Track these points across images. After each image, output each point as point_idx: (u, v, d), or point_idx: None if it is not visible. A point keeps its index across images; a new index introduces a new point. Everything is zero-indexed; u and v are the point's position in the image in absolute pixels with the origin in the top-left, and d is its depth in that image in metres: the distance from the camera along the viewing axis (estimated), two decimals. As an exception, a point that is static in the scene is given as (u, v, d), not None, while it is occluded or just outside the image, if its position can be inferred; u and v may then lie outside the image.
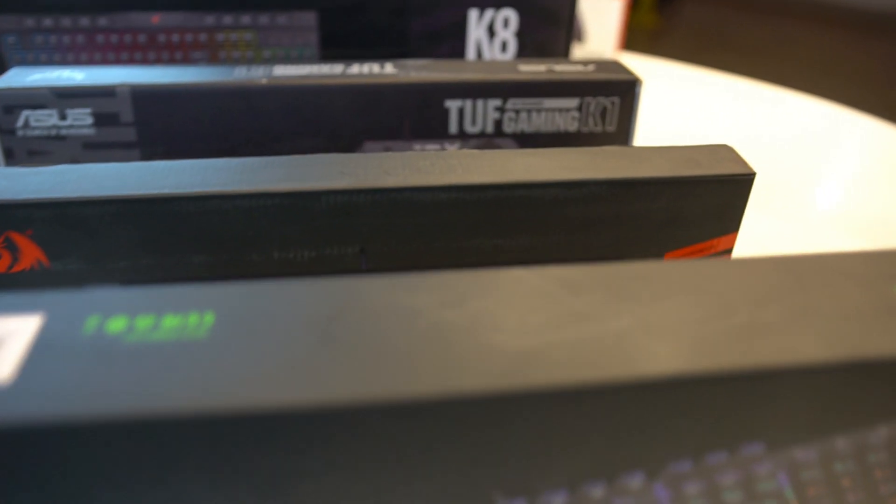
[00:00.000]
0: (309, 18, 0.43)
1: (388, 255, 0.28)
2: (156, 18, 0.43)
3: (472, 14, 0.44)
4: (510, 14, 0.44)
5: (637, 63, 0.86)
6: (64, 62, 0.44)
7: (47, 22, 0.43)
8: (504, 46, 0.45)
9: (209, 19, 0.43)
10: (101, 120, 0.36)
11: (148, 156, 0.37)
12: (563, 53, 0.45)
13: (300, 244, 0.28)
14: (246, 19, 0.43)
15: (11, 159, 0.36)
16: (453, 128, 0.37)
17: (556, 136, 0.38)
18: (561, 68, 0.38)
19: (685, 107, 0.75)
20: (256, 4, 0.43)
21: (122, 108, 0.35)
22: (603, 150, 0.30)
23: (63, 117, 0.35)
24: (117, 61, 0.44)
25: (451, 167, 0.28)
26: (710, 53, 2.50)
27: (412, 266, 0.29)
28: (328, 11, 0.43)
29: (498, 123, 0.37)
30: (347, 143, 0.37)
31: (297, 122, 0.36)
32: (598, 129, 0.38)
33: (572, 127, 0.38)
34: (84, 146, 0.36)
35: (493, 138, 0.38)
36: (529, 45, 0.45)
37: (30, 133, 0.36)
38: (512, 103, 0.37)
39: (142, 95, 0.35)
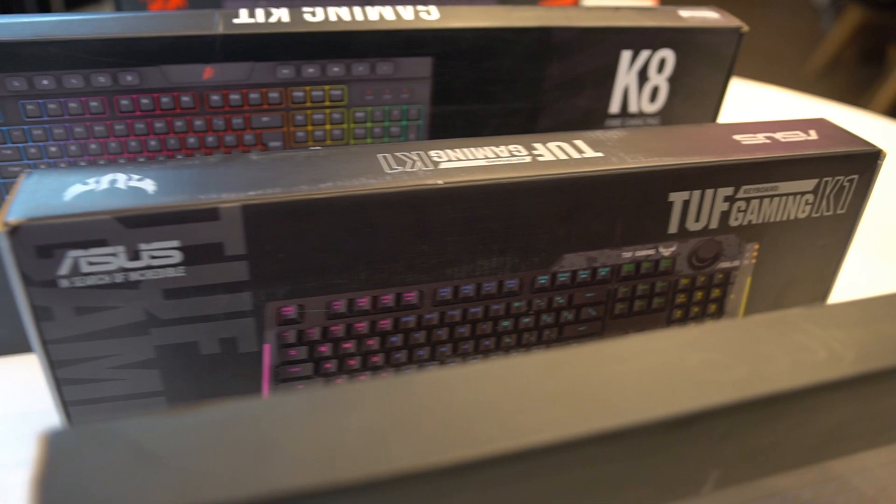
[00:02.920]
0: (422, 66, 0.32)
1: None
2: (208, 72, 0.30)
3: (625, 56, 0.34)
4: (668, 55, 0.35)
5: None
6: (68, 138, 0.30)
7: (44, 82, 0.29)
8: (654, 95, 0.36)
9: (284, 71, 0.31)
10: (194, 256, 0.23)
11: (262, 300, 0.25)
12: (718, 100, 0.37)
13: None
14: (336, 70, 0.31)
15: (49, 322, 0.23)
16: (673, 227, 0.28)
17: (785, 226, 0.30)
18: (783, 137, 0.30)
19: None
20: (354, 49, 0.31)
21: (228, 235, 0.23)
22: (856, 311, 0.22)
23: (134, 256, 0.23)
24: (149, 134, 0.31)
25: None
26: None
27: None
28: (447, 56, 0.32)
29: (725, 216, 0.29)
30: (542, 259, 0.27)
31: (479, 236, 0.26)
32: (829, 212, 0.30)
33: (803, 213, 0.30)
34: (166, 294, 0.24)
35: (716, 235, 0.29)
36: (682, 91, 0.36)
37: (80, 283, 0.23)
38: (745, 191, 0.28)
39: (259, 215, 0.23)
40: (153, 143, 0.31)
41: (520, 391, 0.15)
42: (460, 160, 0.26)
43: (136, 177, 0.24)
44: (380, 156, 0.26)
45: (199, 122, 0.31)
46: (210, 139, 0.31)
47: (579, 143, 0.28)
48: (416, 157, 0.26)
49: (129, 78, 0.29)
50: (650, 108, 0.36)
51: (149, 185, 0.23)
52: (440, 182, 0.24)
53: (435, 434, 0.14)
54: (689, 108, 0.37)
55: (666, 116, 0.37)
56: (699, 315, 0.31)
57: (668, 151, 0.27)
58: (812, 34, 2.29)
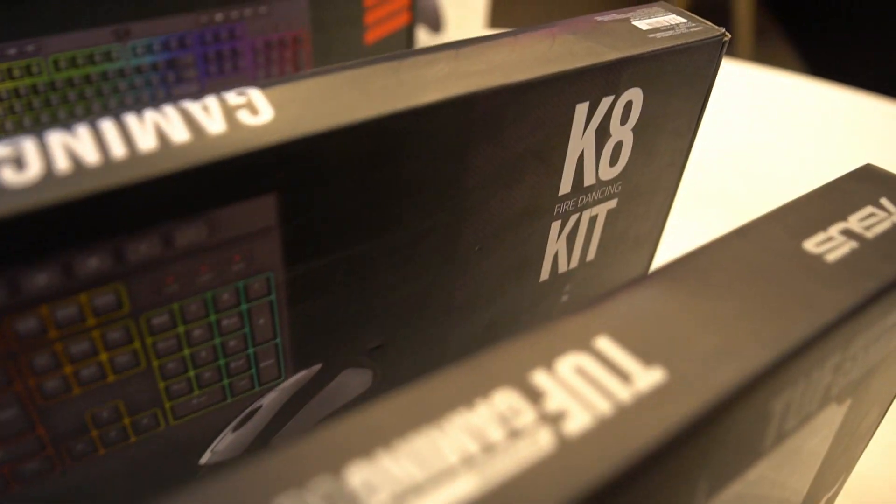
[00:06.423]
0: (261, 211, 0.17)
1: None
2: None
3: (579, 112, 0.21)
4: (635, 96, 0.22)
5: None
6: None
7: None
8: (616, 154, 0.24)
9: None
10: None
11: None
12: (693, 132, 0.25)
13: None
14: (102, 262, 0.15)
15: None
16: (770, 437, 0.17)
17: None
18: None
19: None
20: (127, 218, 0.15)
21: None
22: None
23: None
24: None
25: None
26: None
27: None
28: (302, 183, 0.17)
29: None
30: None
31: None
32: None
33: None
34: None
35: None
36: (648, 139, 0.24)
37: None
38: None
39: None
40: None
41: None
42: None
43: None
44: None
45: None
46: None
47: (609, 351, 0.15)
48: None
49: None
50: (610, 173, 0.24)
51: None
52: None
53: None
54: (654, 157, 0.25)
55: (628, 176, 0.25)
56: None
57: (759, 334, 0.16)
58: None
